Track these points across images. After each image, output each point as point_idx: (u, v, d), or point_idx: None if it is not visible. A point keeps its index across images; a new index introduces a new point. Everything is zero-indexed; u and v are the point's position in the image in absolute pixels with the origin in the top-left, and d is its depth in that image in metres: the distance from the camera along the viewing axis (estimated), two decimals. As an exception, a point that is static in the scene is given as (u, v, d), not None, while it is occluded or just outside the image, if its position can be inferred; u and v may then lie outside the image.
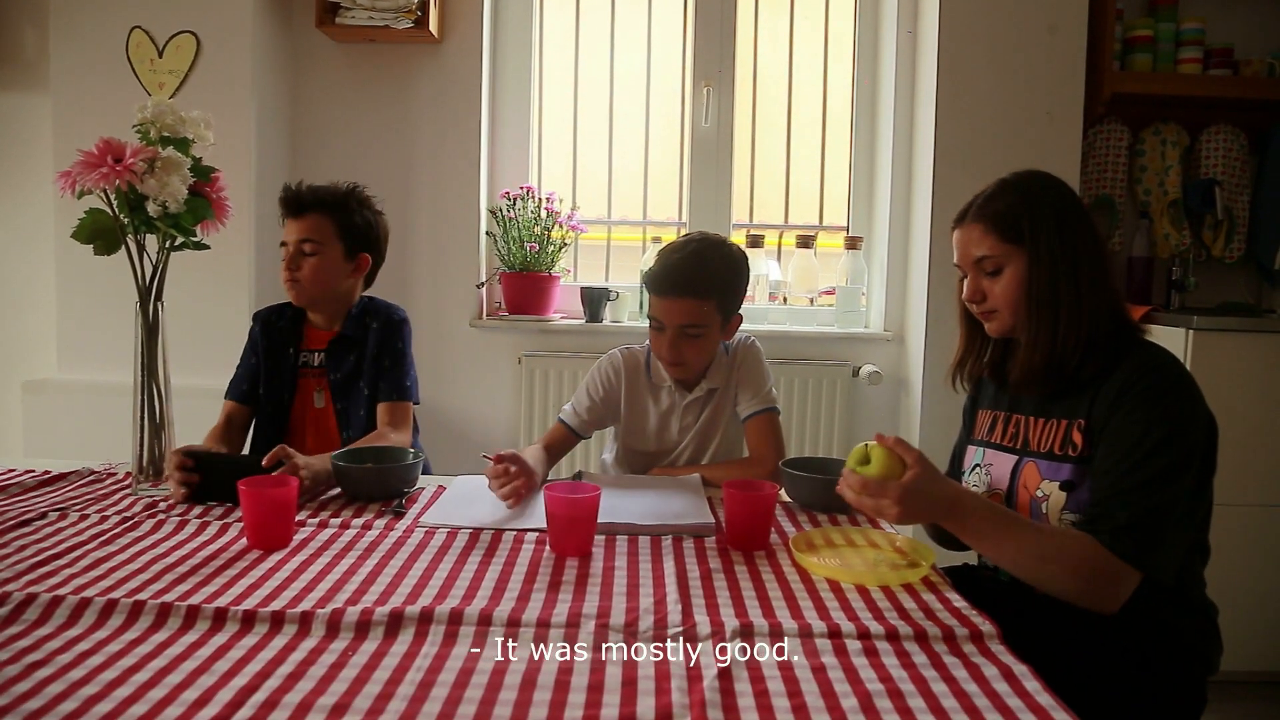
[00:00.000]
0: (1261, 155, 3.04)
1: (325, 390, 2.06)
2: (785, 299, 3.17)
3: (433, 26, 2.87)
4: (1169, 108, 3.01)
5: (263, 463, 1.56)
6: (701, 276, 1.82)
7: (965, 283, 1.49)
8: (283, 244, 2.03)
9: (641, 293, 3.08)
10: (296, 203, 2.02)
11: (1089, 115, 2.84)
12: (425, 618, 1.08)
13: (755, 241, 3.08)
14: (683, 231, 3.21)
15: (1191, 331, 2.53)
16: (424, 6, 2.85)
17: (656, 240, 3.07)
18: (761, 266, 3.06)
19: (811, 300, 3.15)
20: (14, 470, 1.74)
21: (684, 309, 1.81)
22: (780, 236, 3.26)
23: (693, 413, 1.95)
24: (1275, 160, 2.98)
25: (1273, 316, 2.89)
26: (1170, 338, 2.57)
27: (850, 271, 3.08)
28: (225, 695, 0.89)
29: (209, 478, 1.57)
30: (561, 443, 1.95)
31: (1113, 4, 2.82)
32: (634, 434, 1.97)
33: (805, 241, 3.13)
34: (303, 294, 2.03)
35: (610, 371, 1.96)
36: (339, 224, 2.03)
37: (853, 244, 3.10)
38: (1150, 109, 3.02)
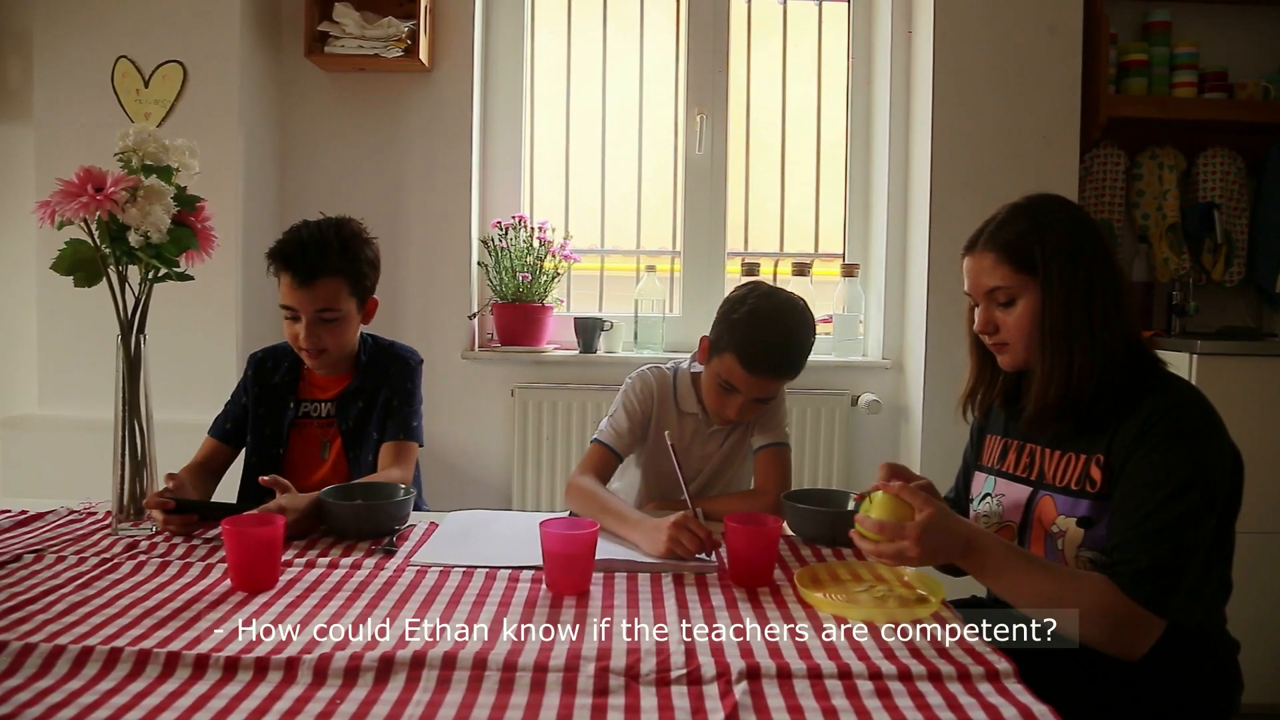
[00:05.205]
0: (1259, 178, 3.03)
1: (335, 441, 1.96)
2: (782, 327, 3.12)
3: (423, 55, 2.85)
4: (1165, 131, 3.01)
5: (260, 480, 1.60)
6: (800, 359, 1.80)
7: (977, 312, 1.45)
8: (286, 308, 1.87)
9: (636, 323, 3.04)
10: (307, 269, 1.83)
11: (1085, 139, 2.82)
12: (417, 662, 1.03)
13: (750, 270, 3.04)
14: (677, 261, 3.19)
15: (1195, 356, 2.50)
16: (414, 35, 2.83)
17: (651, 269, 3.04)
18: (757, 294, 3.02)
19: (808, 328, 3.11)
20: (-10, 511, 1.69)
21: (776, 388, 1.83)
22: (775, 265, 3.23)
23: (715, 441, 1.93)
24: (1273, 182, 2.97)
25: (1275, 340, 2.87)
26: (1174, 363, 2.53)
27: (847, 299, 3.05)
28: (203, 751, 0.84)
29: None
30: (608, 467, 1.87)
31: (1106, 28, 2.82)
32: (656, 456, 1.92)
33: (801, 269, 3.10)
34: (327, 363, 1.93)
35: (643, 390, 1.91)
36: (351, 282, 1.89)
37: (849, 271, 3.07)
38: (1146, 132, 3.01)
